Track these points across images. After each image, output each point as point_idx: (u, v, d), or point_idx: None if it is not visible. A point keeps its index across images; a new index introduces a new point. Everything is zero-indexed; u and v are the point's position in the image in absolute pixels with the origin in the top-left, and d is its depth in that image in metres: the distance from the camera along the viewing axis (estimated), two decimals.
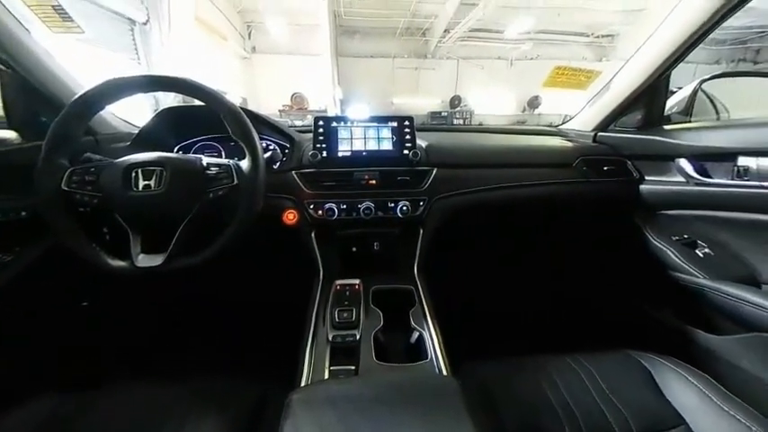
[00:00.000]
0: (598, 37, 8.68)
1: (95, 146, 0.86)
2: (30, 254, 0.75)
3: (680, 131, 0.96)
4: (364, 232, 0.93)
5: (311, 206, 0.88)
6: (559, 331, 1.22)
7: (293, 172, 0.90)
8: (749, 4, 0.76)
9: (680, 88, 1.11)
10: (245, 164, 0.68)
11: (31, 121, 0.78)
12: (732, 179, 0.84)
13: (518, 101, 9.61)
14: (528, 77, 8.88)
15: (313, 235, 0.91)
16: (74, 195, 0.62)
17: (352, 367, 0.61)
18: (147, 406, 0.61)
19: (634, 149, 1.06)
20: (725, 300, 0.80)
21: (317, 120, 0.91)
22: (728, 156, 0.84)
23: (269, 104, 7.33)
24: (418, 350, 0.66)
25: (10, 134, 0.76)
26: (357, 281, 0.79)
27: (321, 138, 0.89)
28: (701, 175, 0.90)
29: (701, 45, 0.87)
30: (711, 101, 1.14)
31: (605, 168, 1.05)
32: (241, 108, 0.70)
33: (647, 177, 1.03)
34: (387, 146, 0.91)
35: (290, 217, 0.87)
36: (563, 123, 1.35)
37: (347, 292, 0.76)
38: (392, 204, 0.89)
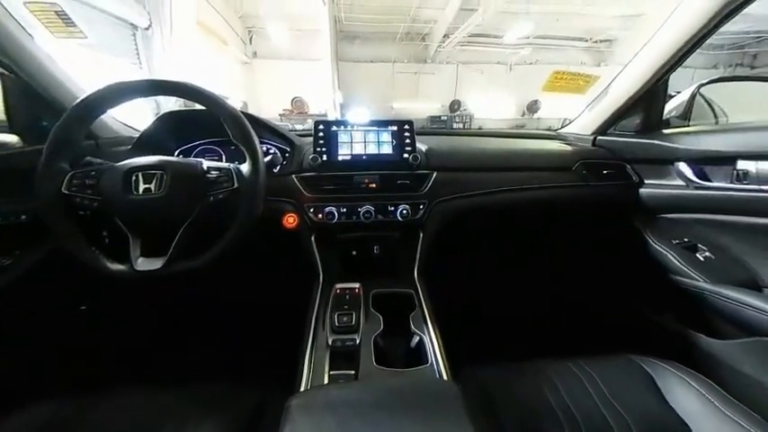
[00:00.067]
0: (596, 42, 8.76)
1: (96, 150, 0.87)
2: (29, 257, 0.75)
3: (679, 135, 0.97)
4: (364, 236, 0.93)
5: (311, 210, 0.88)
6: (560, 335, 1.21)
7: (293, 176, 0.90)
8: (746, 10, 0.76)
9: (678, 92, 1.12)
10: (245, 167, 0.68)
11: (32, 125, 0.78)
12: (731, 183, 0.84)
13: (517, 105, 9.66)
14: (527, 82, 8.94)
15: (313, 238, 0.91)
16: (74, 199, 0.62)
17: (352, 372, 0.60)
18: (145, 410, 0.61)
19: (633, 153, 1.07)
20: (726, 303, 0.79)
21: (317, 124, 0.91)
22: (727, 159, 0.84)
23: (269, 109, 7.36)
24: (418, 354, 0.66)
25: (11, 138, 0.76)
26: (357, 284, 0.79)
27: (321, 141, 0.90)
28: (700, 178, 0.90)
29: (698, 50, 0.87)
30: (710, 105, 1.14)
31: (605, 172, 1.05)
32: (242, 112, 0.70)
33: (646, 181, 1.04)
34: (387, 150, 0.92)
35: (291, 220, 0.87)
36: (562, 127, 1.36)
37: (347, 296, 0.76)
38: (392, 208, 0.89)
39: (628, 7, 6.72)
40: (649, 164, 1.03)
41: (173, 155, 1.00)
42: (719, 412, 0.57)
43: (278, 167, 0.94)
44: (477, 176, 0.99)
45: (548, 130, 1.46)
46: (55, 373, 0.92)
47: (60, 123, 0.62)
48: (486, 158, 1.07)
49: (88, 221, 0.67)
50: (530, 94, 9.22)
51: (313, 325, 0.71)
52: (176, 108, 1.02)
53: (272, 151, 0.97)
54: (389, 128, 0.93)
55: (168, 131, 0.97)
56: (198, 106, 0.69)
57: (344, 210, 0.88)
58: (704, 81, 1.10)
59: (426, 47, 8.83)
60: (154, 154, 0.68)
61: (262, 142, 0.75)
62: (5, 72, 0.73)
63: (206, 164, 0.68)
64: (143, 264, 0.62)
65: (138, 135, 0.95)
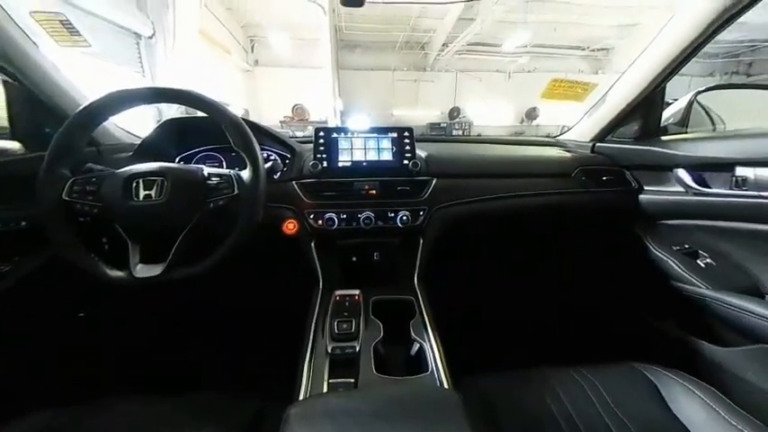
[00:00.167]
0: (593, 50, 8.87)
1: (98, 156, 0.87)
2: (28, 264, 0.75)
3: (677, 142, 0.97)
4: (364, 242, 0.93)
5: (311, 216, 0.88)
6: (562, 342, 1.20)
7: (294, 182, 0.90)
8: (740, 19, 0.78)
9: (675, 100, 1.13)
10: (245, 174, 0.68)
11: (34, 132, 0.79)
12: (731, 189, 0.84)
13: (516, 112, 9.74)
14: (525, 89, 9.03)
15: (313, 245, 0.91)
16: (74, 205, 0.62)
17: (352, 380, 0.60)
18: (143, 418, 0.60)
19: (632, 159, 1.07)
20: (729, 311, 0.79)
21: (317, 130, 0.92)
22: (726, 166, 0.84)
23: (270, 116, 7.42)
24: (419, 362, 0.65)
25: (13, 145, 0.77)
26: (357, 291, 0.79)
27: (322, 148, 0.90)
28: (699, 184, 0.90)
29: (694, 58, 0.89)
30: (707, 112, 1.15)
31: (604, 178, 1.05)
32: (242, 119, 0.71)
33: (645, 187, 1.04)
34: (387, 156, 0.92)
35: (290, 227, 0.87)
36: (561, 134, 1.37)
37: (347, 303, 0.75)
38: (392, 214, 0.89)
39: (624, 17, 6.83)
40: (648, 170, 1.04)
41: (174, 161, 1.01)
42: (724, 421, 0.56)
43: (278, 174, 0.95)
44: (476, 183, 1.00)
45: (547, 136, 1.47)
46: (54, 379, 0.91)
47: (62, 130, 0.63)
48: (486, 165, 1.07)
49: (88, 228, 0.67)
50: (528, 102, 9.30)
51: (312, 332, 0.71)
52: (178, 115, 1.03)
53: (272, 158, 0.97)
54: (389, 135, 0.93)
55: (169, 138, 0.97)
56: (199, 113, 0.69)
57: (344, 216, 0.88)
58: (701, 89, 1.11)
59: (426, 55, 8.95)
60: (155, 160, 0.68)
61: (262, 149, 0.75)
62: (10, 80, 0.74)
63: (207, 170, 0.69)
64: (142, 270, 0.62)
65: (139, 142, 0.95)
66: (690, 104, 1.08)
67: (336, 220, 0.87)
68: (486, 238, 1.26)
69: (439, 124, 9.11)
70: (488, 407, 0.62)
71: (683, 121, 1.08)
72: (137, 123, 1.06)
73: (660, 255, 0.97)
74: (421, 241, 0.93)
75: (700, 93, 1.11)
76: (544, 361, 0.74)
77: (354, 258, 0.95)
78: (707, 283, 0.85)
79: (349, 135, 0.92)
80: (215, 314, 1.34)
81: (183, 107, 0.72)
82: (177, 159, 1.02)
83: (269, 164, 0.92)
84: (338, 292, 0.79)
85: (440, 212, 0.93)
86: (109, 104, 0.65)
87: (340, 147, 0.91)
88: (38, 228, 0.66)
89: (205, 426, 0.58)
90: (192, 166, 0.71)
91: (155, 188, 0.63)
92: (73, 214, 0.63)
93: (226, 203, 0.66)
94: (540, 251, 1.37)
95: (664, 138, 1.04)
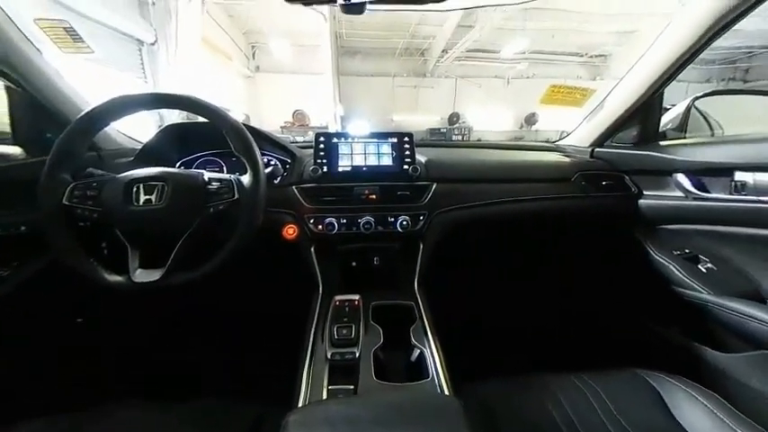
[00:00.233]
0: (591, 57, 8.95)
1: (98, 161, 0.87)
2: (27, 269, 0.75)
3: (676, 147, 0.98)
4: (364, 247, 0.93)
5: (311, 221, 0.88)
6: (563, 348, 1.19)
7: (294, 187, 0.91)
8: (736, 26, 0.79)
9: (673, 105, 1.14)
10: (246, 179, 0.69)
11: (36, 137, 0.79)
12: (730, 194, 0.84)
13: (515, 118, 9.79)
14: (524, 95, 9.09)
15: (313, 249, 0.91)
16: (75, 210, 0.62)
17: (351, 387, 0.59)
18: (142, 426, 0.60)
19: (631, 165, 1.07)
20: (731, 316, 0.78)
21: (318, 136, 0.92)
22: (725, 171, 0.85)
23: (271, 121, 7.46)
24: (419, 368, 0.65)
25: (14, 150, 0.77)
26: (357, 296, 0.78)
27: (322, 153, 0.91)
28: (698, 189, 0.91)
29: (691, 64, 0.89)
30: (705, 118, 1.16)
31: (604, 183, 1.05)
32: (243, 124, 0.71)
33: (645, 192, 1.04)
34: (387, 161, 0.92)
35: (290, 231, 0.87)
36: (560, 139, 1.37)
37: (347, 308, 0.75)
38: (392, 219, 0.89)
39: (621, 24, 6.91)
40: (647, 175, 1.04)
41: (174, 166, 1.01)
42: (729, 429, 0.55)
43: (278, 179, 0.95)
44: (476, 188, 1.00)
45: (546, 142, 1.48)
46: (54, 380, 0.91)
47: (64, 136, 0.63)
48: (486, 170, 1.08)
49: (88, 233, 0.67)
50: (527, 107, 9.35)
51: (312, 337, 0.70)
52: (179, 121, 1.03)
53: (272, 162, 0.98)
54: (389, 140, 0.94)
55: (170, 143, 0.98)
56: (200, 119, 0.70)
57: (344, 221, 0.88)
58: (699, 94, 1.12)
59: (425, 61, 9.03)
60: (156, 165, 0.69)
61: (263, 154, 0.76)
62: (13, 86, 0.74)
63: (207, 175, 0.69)
64: (141, 275, 0.62)
65: (140, 147, 0.96)
66: (688, 110, 1.09)
67: (336, 224, 0.87)
68: (486, 244, 1.26)
69: (439, 129, 9.14)
70: (489, 414, 0.62)
71: (682, 127, 1.09)
72: (138, 129, 1.06)
73: (661, 259, 0.97)
74: (421, 246, 0.93)
75: (697, 98, 1.11)
76: (545, 367, 0.74)
77: (354, 263, 0.95)
78: (708, 288, 0.85)
79: (349, 140, 0.93)
80: (214, 320, 1.34)
81: (185, 113, 0.72)
82: (178, 164, 1.03)
83: (269, 169, 0.93)
84: (338, 298, 0.78)
85: (440, 217, 0.93)
86: (110, 110, 0.66)
87: (340, 152, 0.92)
88: (37, 233, 0.66)
89: None
90: (193, 171, 0.71)
91: (155, 193, 0.63)
92: (73, 219, 0.63)
93: (226, 208, 0.66)
94: (540, 256, 1.36)
95: (662, 143, 1.04)
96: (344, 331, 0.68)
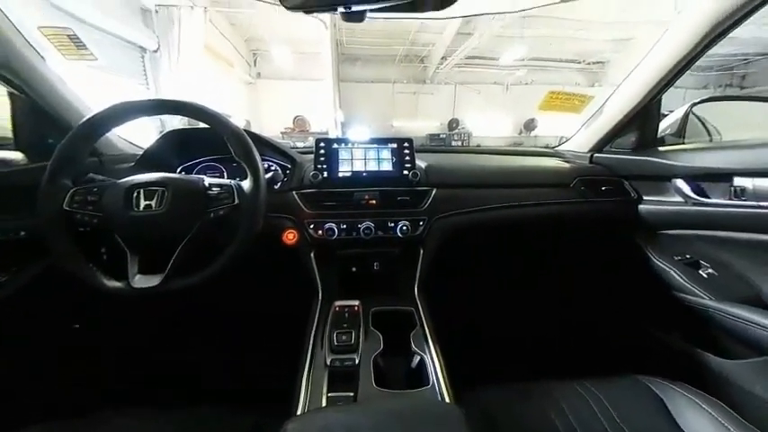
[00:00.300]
0: (589, 64, 9.04)
1: (99, 166, 0.88)
2: (27, 274, 0.75)
3: (675, 152, 0.98)
4: (364, 252, 0.92)
5: (311, 226, 0.88)
6: (564, 355, 1.18)
7: (294, 192, 0.91)
8: (732, 34, 0.80)
9: (671, 111, 1.14)
10: (246, 184, 0.69)
11: (37, 142, 0.79)
12: (729, 199, 0.84)
13: (514, 123, 9.85)
14: (523, 101, 9.15)
15: (312, 255, 0.91)
16: (75, 215, 0.62)
17: (351, 394, 0.58)
18: None
19: (630, 170, 1.08)
20: (733, 322, 0.78)
21: (318, 141, 0.93)
22: (724, 176, 0.85)
23: (272, 127, 7.50)
24: (419, 375, 0.64)
25: (16, 155, 0.77)
26: (356, 302, 0.78)
27: (322, 158, 0.91)
28: (698, 195, 0.91)
29: (689, 71, 0.90)
30: (703, 123, 1.17)
31: (603, 188, 1.06)
32: (244, 130, 0.72)
33: (645, 197, 1.04)
34: (387, 167, 0.93)
35: (290, 237, 0.87)
36: (559, 145, 1.38)
37: (346, 314, 0.74)
38: (392, 224, 0.89)
39: (619, 32, 6.99)
40: (647, 180, 1.04)
41: (175, 172, 1.01)
42: None
43: (279, 184, 0.95)
44: (476, 193, 1.00)
45: (545, 147, 1.48)
46: (53, 380, 0.90)
47: (65, 141, 0.63)
48: (486, 175, 1.08)
49: (87, 238, 0.67)
50: (526, 113, 9.41)
51: (311, 344, 0.70)
52: (180, 126, 1.04)
53: (273, 168, 0.98)
54: (389, 145, 0.94)
55: (171, 149, 0.98)
56: (201, 124, 0.70)
57: (344, 226, 0.88)
58: (696, 100, 1.13)
59: (425, 68, 9.12)
60: (157, 171, 0.69)
61: (263, 159, 0.76)
62: (16, 92, 0.75)
63: (207, 180, 0.69)
64: (140, 281, 0.62)
65: (141, 152, 0.96)
66: (686, 115, 1.10)
67: (336, 230, 0.87)
68: (486, 249, 1.26)
69: (438, 135, 9.19)
70: (490, 421, 0.61)
71: (680, 132, 1.09)
72: (140, 134, 1.07)
73: (661, 265, 0.96)
74: (421, 251, 0.93)
75: (695, 104, 1.12)
76: (547, 374, 0.73)
77: (354, 268, 0.94)
78: (709, 293, 0.85)
79: (349, 146, 0.93)
80: (215, 316, 1.33)
81: (186, 119, 0.73)
82: (179, 170, 1.03)
83: (269, 174, 0.93)
84: (338, 303, 0.78)
85: (440, 222, 0.93)
86: (112, 116, 0.66)
87: (340, 157, 0.92)
88: (37, 237, 0.66)
89: None
90: (193, 176, 0.71)
91: (155, 198, 0.63)
92: (73, 224, 0.63)
93: (226, 213, 0.66)
94: (540, 262, 1.36)
95: (661, 148, 1.05)
96: (344, 337, 0.67)
